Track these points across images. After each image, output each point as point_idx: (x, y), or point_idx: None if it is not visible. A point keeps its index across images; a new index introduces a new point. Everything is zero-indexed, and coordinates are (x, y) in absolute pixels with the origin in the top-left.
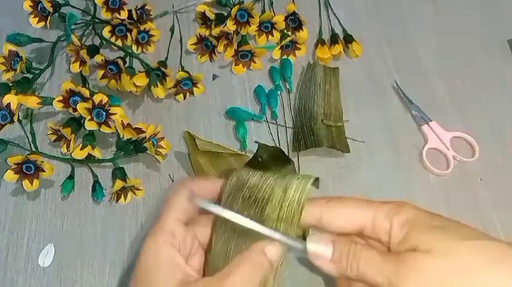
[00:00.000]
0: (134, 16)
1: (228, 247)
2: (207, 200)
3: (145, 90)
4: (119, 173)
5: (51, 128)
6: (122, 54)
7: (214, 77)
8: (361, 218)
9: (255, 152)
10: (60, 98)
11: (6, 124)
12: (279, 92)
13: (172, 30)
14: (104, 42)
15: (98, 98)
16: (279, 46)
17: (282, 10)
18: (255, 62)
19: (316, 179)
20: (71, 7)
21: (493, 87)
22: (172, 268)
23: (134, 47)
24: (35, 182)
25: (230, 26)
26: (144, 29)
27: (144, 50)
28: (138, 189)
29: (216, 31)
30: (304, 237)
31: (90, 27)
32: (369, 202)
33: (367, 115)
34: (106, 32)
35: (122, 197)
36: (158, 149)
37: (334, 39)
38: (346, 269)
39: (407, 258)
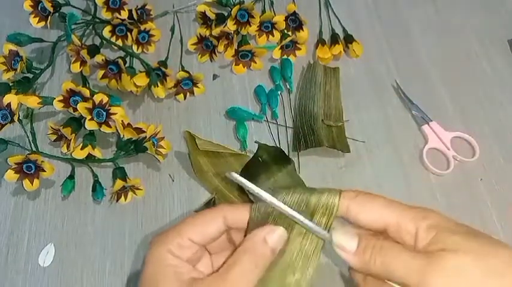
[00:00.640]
0: (134, 16)
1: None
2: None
3: (145, 90)
4: (119, 173)
5: (52, 127)
6: (123, 54)
7: (215, 77)
8: (387, 217)
9: (255, 152)
10: (61, 97)
11: (6, 124)
12: (279, 92)
13: (172, 30)
14: (104, 42)
15: (98, 98)
16: (279, 46)
17: (282, 10)
18: (255, 62)
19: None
20: (71, 7)
21: (493, 87)
22: (173, 275)
23: (134, 47)
24: (35, 181)
25: (230, 26)
26: (145, 29)
27: (144, 50)
28: (138, 189)
29: (216, 31)
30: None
31: (91, 27)
32: (397, 203)
33: (368, 115)
34: (106, 32)
35: (122, 197)
36: (158, 149)
37: (334, 39)
38: (370, 262)
39: (437, 255)
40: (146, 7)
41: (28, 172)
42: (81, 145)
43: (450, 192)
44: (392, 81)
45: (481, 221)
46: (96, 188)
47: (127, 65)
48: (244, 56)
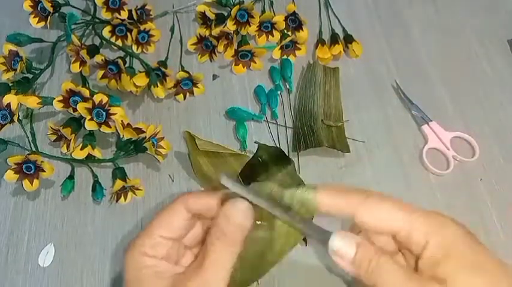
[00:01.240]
0: (134, 16)
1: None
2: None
3: (145, 90)
4: (119, 173)
5: (51, 128)
6: (122, 54)
7: (215, 77)
8: (398, 224)
9: (254, 152)
10: (60, 98)
11: (6, 124)
12: (279, 92)
13: (172, 30)
14: (104, 42)
15: (98, 98)
16: (279, 46)
17: (282, 10)
18: (255, 62)
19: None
20: (71, 7)
21: (493, 87)
22: (153, 277)
23: (134, 47)
24: (35, 182)
25: (230, 26)
26: (144, 29)
27: (144, 50)
28: (138, 189)
29: (216, 31)
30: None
31: (90, 27)
32: (410, 210)
33: (367, 115)
34: (106, 32)
35: (122, 197)
36: (158, 149)
37: (334, 39)
38: (364, 276)
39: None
40: (146, 7)
41: (28, 172)
42: (80, 145)
43: (450, 192)
44: (392, 81)
45: (481, 221)
46: (96, 188)
47: (127, 65)
48: (244, 56)
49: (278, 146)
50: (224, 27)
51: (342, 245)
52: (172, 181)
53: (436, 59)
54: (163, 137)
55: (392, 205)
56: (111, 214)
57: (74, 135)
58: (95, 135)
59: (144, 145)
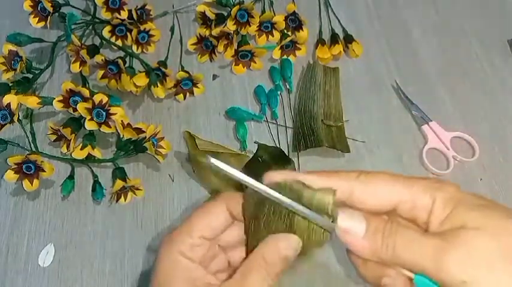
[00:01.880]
0: (134, 16)
1: (260, 223)
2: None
3: (145, 90)
4: (119, 173)
5: (51, 128)
6: (122, 54)
7: (214, 77)
8: (399, 193)
9: (254, 152)
10: (60, 98)
11: (6, 124)
12: (279, 92)
13: (172, 30)
14: (104, 42)
15: (98, 98)
16: (279, 46)
17: (282, 10)
18: (255, 62)
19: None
20: (71, 7)
21: (493, 87)
22: (187, 282)
23: (134, 47)
24: (35, 182)
25: (230, 26)
26: (144, 29)
27: (144, 50)
28: (138, 189)
29: (216, 31)
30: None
31: (90, 27)
32: (405, 177)
33: (367, 115)
34: (106, 32)
35: (122, 197)
36: (158, 149)
37: (334, 39)
38: (381, 247)
39: (456, 235)
40: (146, 7)
41: (28, 172)
42: (80, 145)
43: None
44: (392, 81)
45: None
46: (96, 188)
47: (127, 65)
48: (244, 56)
49: (278, 146)
50: (224, 27)
51: (351, 222)
52: (173, 180)
53: (436, 59)
54: (163, 137)
55: (387, 177)
56: (111, 214)
57: (74, 135)
58: (95, 136)
59: (144, 145)
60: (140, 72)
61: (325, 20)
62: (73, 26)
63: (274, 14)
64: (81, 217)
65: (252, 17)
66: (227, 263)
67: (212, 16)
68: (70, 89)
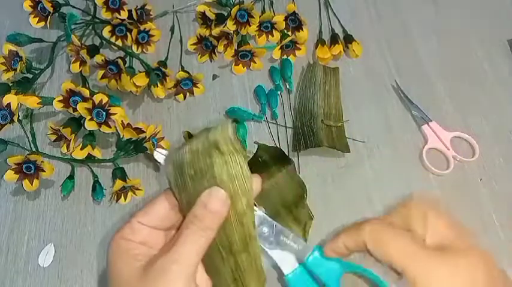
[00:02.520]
0: (134, 16)
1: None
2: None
3: (145, 90)
4: (119, 173)
5: (51, 128)
6: (122, 54)
7: (214, 77)
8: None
9: (255, 152)
10: (60, 98)
11: (6, 124)
12: (279, 92)
13: (172, 30)
14: (104, 42)
15: (98, 98)
16: (279, 46)
17: (282, 10)
18: (255, 62)
19: (234, 121)
20: (71, 7)
21: (493, 87)
22: (128, 258)
23: (134, 47)
24: (35, 182)
25: (230, 26)
26: (144, 29)
27: (144, 50)
28: (138, 189)
29: (216, 31)
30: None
31: (90, 27)
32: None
33: (367, 115)
34: (106, 32)
35: (122, 197)
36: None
37: (334, 39)
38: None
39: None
40: (146, 7)
41: (28, 172)
42: (80, 145)
43: (450, 192)
44: (392, 81)
45: (481, 221)
46: (96, 188)
47: (127, 65)
48: (244, 56)
49: (278, 146)
50: (224, 27)
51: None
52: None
53: (436, 59)
54: (163, 137)
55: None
56: (111, 214)
57: (73, 135)
58: (94, 135)
59: (144, 145)
60: (140, 72)
61: (325, 20)
62: (73, 26)
63: (274, 14)
64: (81, 217)
65: (252, 17)
66: None
67: (212, 16)
68: (70, 89)
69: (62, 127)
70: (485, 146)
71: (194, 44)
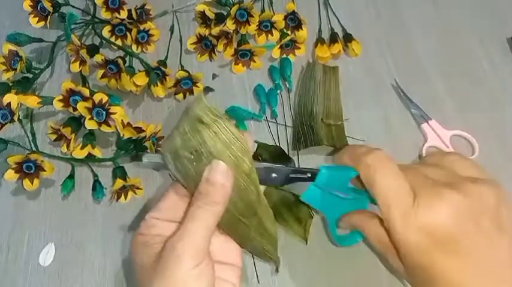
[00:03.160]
0: (134, 16)
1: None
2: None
3: (145, 90)
4: (119, 172)
5: (52, 127)
6: (122, 53)
7: (214, 76)
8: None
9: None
10: (60, 97)
11: (6, 124)
12: (278, 91)
13: (172, 29)
14: (104, 41)
15: (98, 97)
16: (279, 45)
17: (281, 9)
18: (255, 61)
19: (206, 89)
20: (70, 7)
21: (493, 86)
22: (146, 248)
23: (134, 47)
24: (35, 181)
25: (230, 25)
26: (144, 28)
27: (144, 49)
28: (138, 188)
29: (215, 30)
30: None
31: (90, 27)
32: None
33: (367, 114)
34: (106, 31)
35: (122, 196)
36: (158, 148)
37: (333, 38)
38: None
39: None
40: (145, 7)
41: (28, 172)
42: (81, 144)
43: None
44: (392, 80)
45: None
46: (96, 187)
47: (126, 64)
48: (244, 55)
49: (278, 145)
50: (224, 26)
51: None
52: (173, 179)
53: (436, 57)
54: (164, 137)
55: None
56: (111, 213)
57: (74, 134)
58: (95, 135)
59: (144, 144)
60: (140, 71)
61: (325, 19)
62: (73, 26)
63: (274, 13)
64: (81, 216)
65: (252, 16)
66: None
67: (212, 15)
68: (70, 89)
69: (62, 127)
70: (485, 145)
71: (194, 43)
